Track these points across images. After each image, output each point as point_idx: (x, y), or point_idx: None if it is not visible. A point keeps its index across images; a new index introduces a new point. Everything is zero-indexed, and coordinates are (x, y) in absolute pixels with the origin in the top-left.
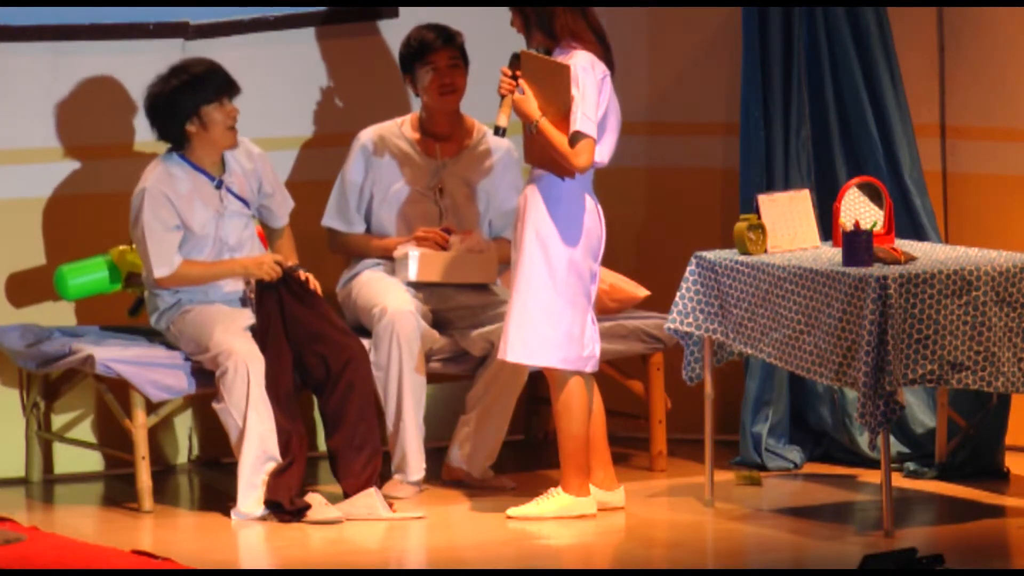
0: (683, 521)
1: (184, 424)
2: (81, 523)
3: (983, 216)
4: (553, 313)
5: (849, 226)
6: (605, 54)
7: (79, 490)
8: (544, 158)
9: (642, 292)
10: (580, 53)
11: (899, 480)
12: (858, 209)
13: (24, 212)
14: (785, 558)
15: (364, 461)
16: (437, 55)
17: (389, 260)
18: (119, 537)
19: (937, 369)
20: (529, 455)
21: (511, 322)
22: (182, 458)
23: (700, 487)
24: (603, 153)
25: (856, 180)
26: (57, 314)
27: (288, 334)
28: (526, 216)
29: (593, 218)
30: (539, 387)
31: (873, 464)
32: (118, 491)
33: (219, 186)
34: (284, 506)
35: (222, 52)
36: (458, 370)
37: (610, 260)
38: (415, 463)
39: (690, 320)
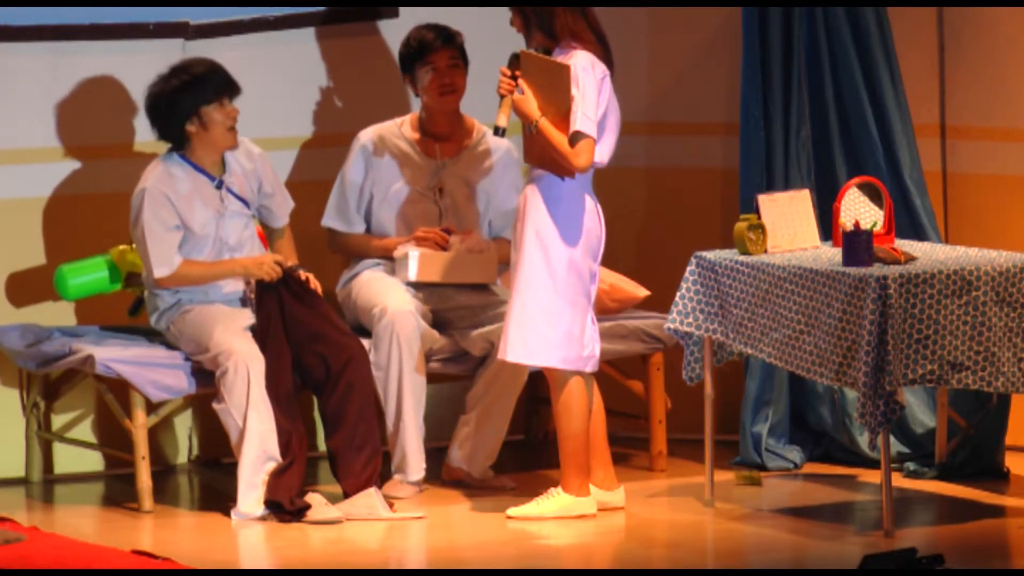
0: (683, 521)
1: (184, 424)
2: (81, 523)
3: (983, 216)
4: (553, 313)
5: (849, 226)
6: (605, 54)
7: (79, 490)
8: (544, 158)
9: (642, 292)
10: (580, 53)
11: (899, 480)
12: (858, 209)
13: (24, 212)
14: (785, 558)
15: (364, 461)
16: (437, 55)
17: (389, 260)
18: (119, 537)
19: (937, 369)
20: (529, 455)
21: (511, 322)
22: (182, 458)
23: (700, 487)
24: (603, 153)
25: (856, 180)
26: (57, 314)
27: (288, 334)
28: (526, 216)
29: (593, 218)
30: (539, 387)
31: (873, 464)
32: (118, 491)
33: (219, 186)
34: (284, 506)
35: (222, 52)
36: (458, 370)
37: (610, 260)
38: (415, 463)
39: (690, 320)
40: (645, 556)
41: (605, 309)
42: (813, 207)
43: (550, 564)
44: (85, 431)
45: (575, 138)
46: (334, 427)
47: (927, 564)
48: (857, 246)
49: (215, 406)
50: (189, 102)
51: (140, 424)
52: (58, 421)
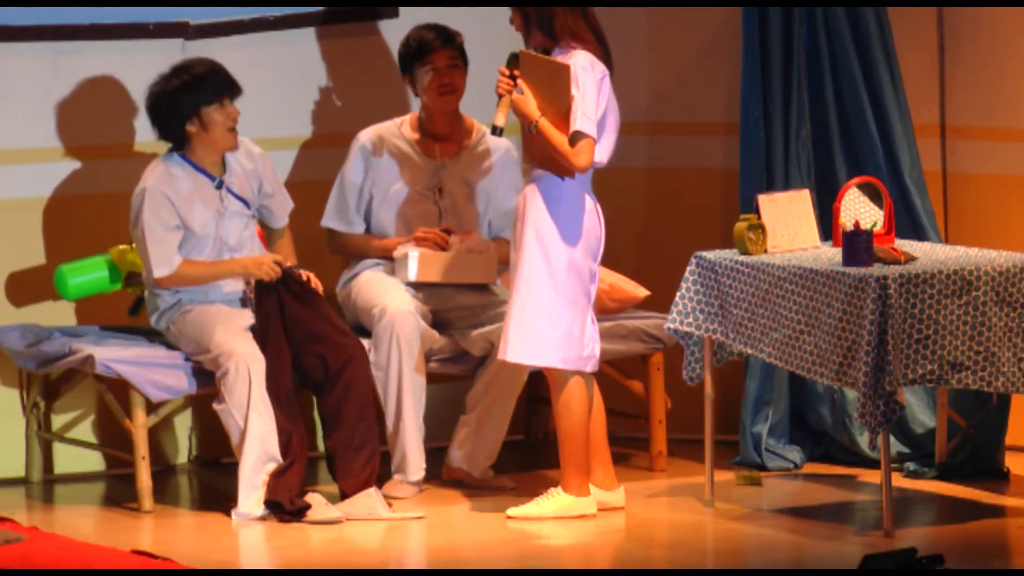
0: (683, 521)
1: (184, 424)
2: (81, 523)
3: (983, 216)
4: (553, 313)
5: (849, 226)
6: (604, 54)
7: (79, 490)
8: (544, 158)
9: (642, 292)
10: (580, 53)
11: (899, 480)
12: (858, 209)
13: (24, 212)
14: (785, 558)
15: (363, 461)
16: (436, 55)
17: (389, 260)
18: (119, 537)
19: (937, 369)
20: (529, 455)
21: (511, 322)
22: (182, 458)
23: (700, 487)
24: (602, 153)
25: (856, 180)
26: (57, 314)
27: (287, 334)
28: (526, 216)
29: (592, 218)
30: (539, 387)
31: (873, 464)
32: (118, 491)
33: (219, 186)
34: (284, 506)
35: (222, 52)
36: (458, 370)
37: (610, 260)
38: (415, 463)
39: (690, 320)
40: (645, 556)
41: (605, 309)
42: (813, 207)
43: (550, 564)
44: (85, 431)
45: (575, 138)
46: (332, 427)
47: (927, 564)
48: (857, 246)
49: (216, 407)
50: (190, 102)
51: (140, 424)
52: (58, 421)
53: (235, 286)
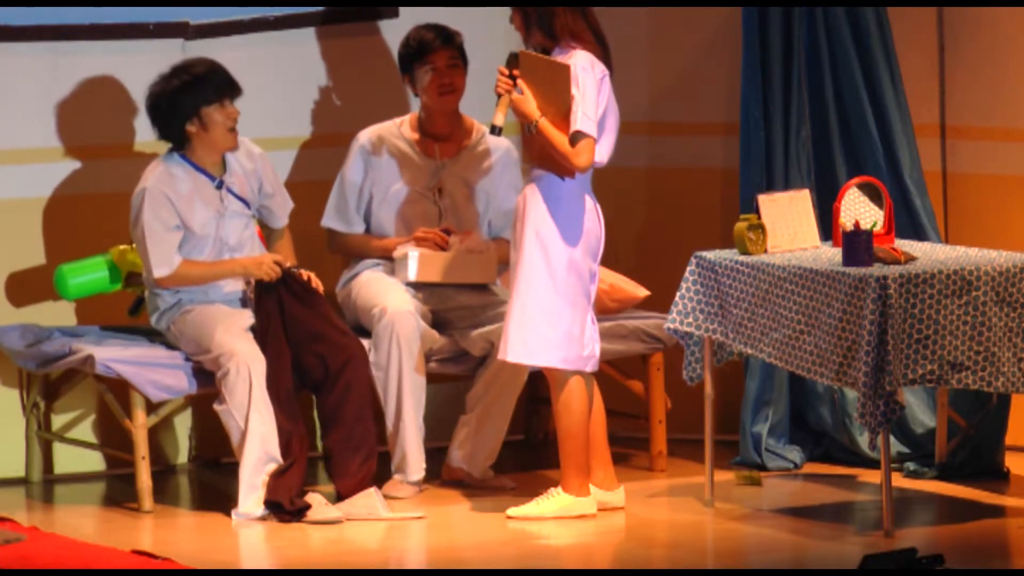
0: (683, 521)
1: (184, 424)
2: (81, 523)
3: (983, 216)
4: (553, 313)
5: (849, 226)
6: (604, 54)
7: (79, 490)
8: (544, 158)
9: (642, 292)
10: (579, 53)
11: (899, 480)
12: (858, 209)
13: (24, 212)
14: (785, 558)
15: (360, 462)
16: (436, 55)
17: (389, 260)
18: (119, 537)
19: (937, 369)
20: (529, 455)
21: (511, 322)
22: (182, 458)
23: (700, 487)
24: (602, 153)
25: (856, 180)
26: (57, 314)
27: (287, 334)
28: (526, 216)
29: (592, 218)
30: (539, 387)
31: (873, 464)
32: (118, 491)
33: (220, 186)
34: (284, 506)
35: (222, 52)
36: (458, 370)
37: (610, 260)
38: (415, 463)
39: (690, 320)
40: (645, 556)
41: (605, 309)
42: (813, 207)
43: (550, 564)
44: (85, 431)
45: (575, 138)
46: (331, 427)
47: (927, 564)
48: (857, 246)
49: (216, 407)
50: (190, 102)
51: (140, 424)
52: (58, 421)
53: (235, 286)
